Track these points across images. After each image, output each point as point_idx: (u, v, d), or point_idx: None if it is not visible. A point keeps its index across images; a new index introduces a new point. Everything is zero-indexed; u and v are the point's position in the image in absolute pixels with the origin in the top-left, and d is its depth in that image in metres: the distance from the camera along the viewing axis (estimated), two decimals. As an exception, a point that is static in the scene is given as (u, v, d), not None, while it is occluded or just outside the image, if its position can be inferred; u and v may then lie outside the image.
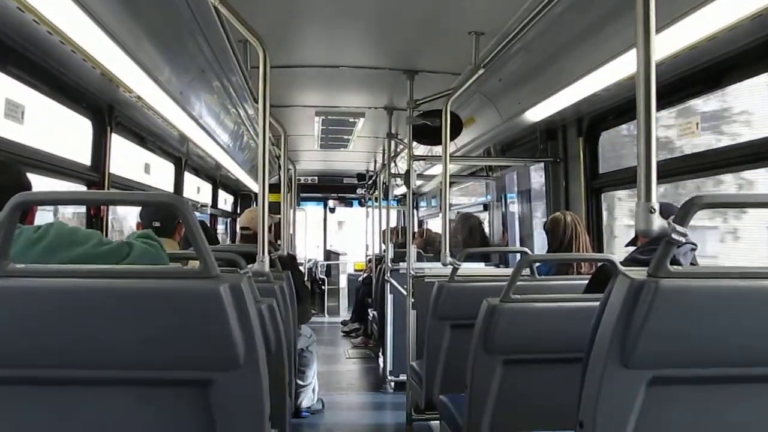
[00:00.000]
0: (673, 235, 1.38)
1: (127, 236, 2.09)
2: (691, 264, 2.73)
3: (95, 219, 3.85)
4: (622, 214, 4.63)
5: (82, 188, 3.82)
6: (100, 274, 1.46)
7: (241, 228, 4.65)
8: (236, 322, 1.43)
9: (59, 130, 3.68)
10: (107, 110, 3.90)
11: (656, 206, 1.40)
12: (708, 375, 1.48)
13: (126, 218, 5.61)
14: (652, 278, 1.40)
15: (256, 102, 4.07)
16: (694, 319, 1.42)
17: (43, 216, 3.35)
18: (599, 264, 3.04)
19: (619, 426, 1.46)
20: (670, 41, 2.53)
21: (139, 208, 3.35)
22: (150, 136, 4.89)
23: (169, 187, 5.95)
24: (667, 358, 1.46)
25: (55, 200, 2.36)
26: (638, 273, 1.45)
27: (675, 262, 2.47)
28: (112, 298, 1.42)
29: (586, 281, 2.93)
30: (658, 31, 1.48)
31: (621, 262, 2.63)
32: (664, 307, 1.39)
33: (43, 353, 1.43)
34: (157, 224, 3.16)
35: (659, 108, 1.45)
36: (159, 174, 5.71)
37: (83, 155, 3.83)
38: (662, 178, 1.46)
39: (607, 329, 1.47)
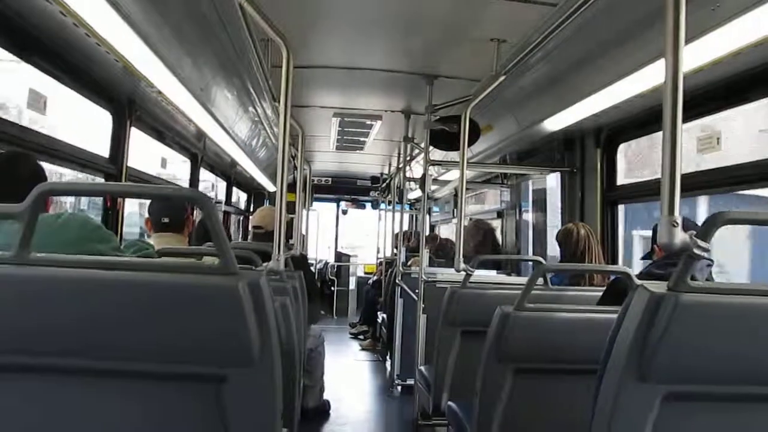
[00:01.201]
0: (695, 250, 1.37)
1: (124, 244, 2.12)
2: (707, 280, 2.71)
3: (111, 211, 3.87)
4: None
5: (100, 180, 3.84)
6: (122, 267, 1.47)
7: (254, 227, 4.67)
8: (254, 319, 1.43)
9: (80, 121, 3.71)
10: (128, 104, 3.93)
11: (679, 220, 1.39)
12: (725, 392, 1.47)
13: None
14: (672, 292, 1.39)
15: (275, 101, 4.10)
16: (714, 335, 1.41)
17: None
18: (613, 276, 3.03)
19: None
20: (696, 55, 2.52)
21: (148, 204, 3.37)
22: (168, 131, 4.92)
23: (184, 183, 5.98)
24: (685, 374, 1.45)
25: (77, 191, 2.38)
26: (658, 286, 1.44)
27: (692, 277, 2.46)
28: (131, 290, 1.43)
29: (600, 293, 2.92)
30: (685, 43, 1.47)
31: (637, 276, 2.62)
32: (684, 322, 1.39)
33: (60, 342, 1.44)
34: (165, 220, 3.18)
35: (683, 121, 1.44)
36: (175, 168, 5.75)
37: (102, 147, 3.86)
38: (685, 191, 1.45)
39: (624, 342, 1.46)
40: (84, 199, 5.20)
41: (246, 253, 2.68)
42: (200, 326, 1.44)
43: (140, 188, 2.85)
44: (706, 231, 1.38)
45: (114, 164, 3.88)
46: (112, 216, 3.86)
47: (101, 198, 4.05)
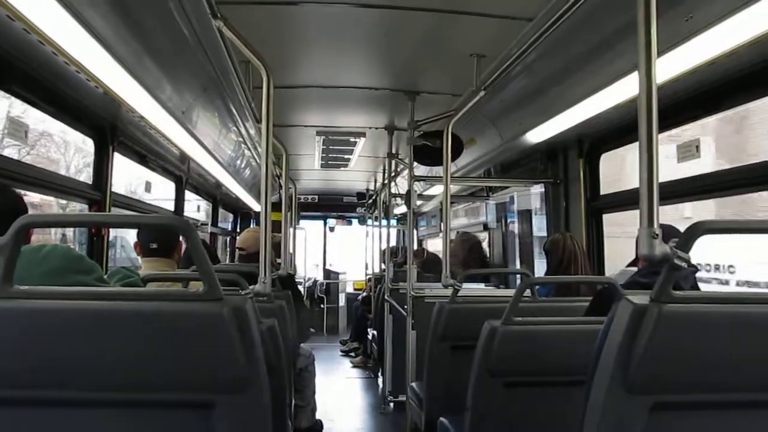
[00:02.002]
0: (676, 261, 1.38)
1: (109, 272, 2.12)
2: (692, 287, 2.73)
3: (96, 238, 3.85)
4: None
5: (84, 207, 3.83)
6: (105, 297, 1.46)
7: (239, 248, 4.66)
8: (240, 344, 1.42)
9: (61, 148, 3.70)
10: (109, 129, 3.92)
11: (659, 231, 1.40)
12: (712, 400, 1.48)
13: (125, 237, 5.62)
14: (654, 303, 1.40)
15: (258, 122, 4.11)
16: (698, 344, 1.42)
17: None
18: (600, 286, 3.04)
19: None
20: (671, 65, 2.55)
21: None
22: (151, 154, 4.90)
23: (169, 205, 5.96)
24: (671, 384, 1.45)
25: (58, 223, 2.37)
26: (641, 297, 1.45)
27: (676, 285, 2.47)
28: (116, 319, 1.42)
29: (587, 303, 2.93)
30: (658, 55, 1.49)
31: (622, 285, 2.63)
32: (667, 332, 1.39)
33: (45, 374, 1.43)
34: (154, 245, 3.17)
35: (660, 130, 1.46)
36: (159, 191, 5.73)
37: (85, 174, 3.85)
38: (664, 200, 1.46)
39: (609, 354, 1.46)
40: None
41: (232, 276, 2.67)
42: (186, 353, 1.43)
43: (120, 218, 2.84)
44: (686, 241, 1.39)
45: (98, 191, 3.86)
46: (97, 243, 3.84)
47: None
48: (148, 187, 5.26)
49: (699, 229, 1.40)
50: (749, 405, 1.50)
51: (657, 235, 1.39)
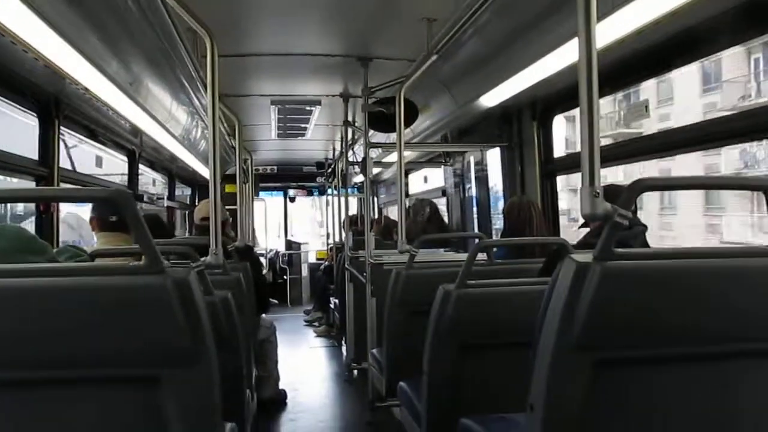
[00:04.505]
0: (617, 218, 1.40)
1: (56, 250, 2.07)
2: (642, 245, 2.78)
3: (45, 215, 3.76)
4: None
5: (31, 184, 3.72)
6: (47, 273, 1.43)
7: (195, 221, 4.61)
8: (183, 317, 1.41)
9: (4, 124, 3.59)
10: (54, 103, 3.80)
11: (600, 190, 1.42)
12: (656, 355, 1.51)
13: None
14: (597, 260, 1.43)
15: (207, 92, 4.03)
16: (639, 299, 1.45)
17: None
18: (554, 247, 3.08)
19: (568, 408, 1.48)
20: (614, 27, 2.55)
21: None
22: (100, 128, 4.79)
23: (124, 180, 5.85)
24: (614, 340, 1.48)
25: None
26: (584, 256, 1.47)
27: (625, 244, 2.52)
28: (57, 295, 1.39)
29: (541, 264, 2.97)
30: (601, 17, 1.50)
31: (573, 246, 2.67)
32: (609, 289, 1.42)
33: None
34: (113, 218, 3.09)
35: (605, 93, 1.47)
36: (112, 167, 5.62)
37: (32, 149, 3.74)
38: (607, 161, 1.48)
39: (554, 312, 1.49)
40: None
41: (183, 249, 2.64)
42: (130, 327, 1.41)
43: (56, 192, 2.78)
44: (626, 199, 1.41)
45: (44, 167, 3.75)
46: (46, 221, 3.75)
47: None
48: (98, 161, 5.15)
49: (639, 186, 1.42)
50: (692, 358, 1.54)
51: (598, 194, 1.41)
